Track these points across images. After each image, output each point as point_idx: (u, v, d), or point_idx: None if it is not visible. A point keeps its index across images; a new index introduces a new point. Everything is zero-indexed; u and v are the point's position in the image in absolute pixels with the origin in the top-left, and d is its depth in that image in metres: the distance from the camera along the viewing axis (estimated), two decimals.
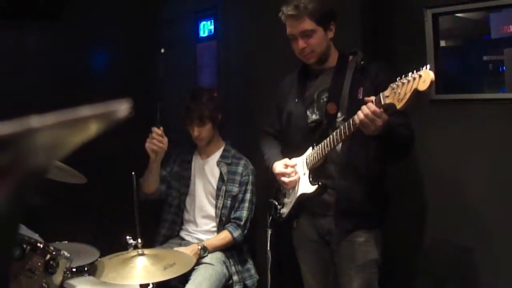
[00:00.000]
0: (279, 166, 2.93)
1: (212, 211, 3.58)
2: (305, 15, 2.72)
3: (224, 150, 3.64)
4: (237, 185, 3.53)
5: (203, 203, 3.62)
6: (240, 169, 3.55)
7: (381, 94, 2.33)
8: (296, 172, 2.88)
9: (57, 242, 3.38)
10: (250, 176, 3.55)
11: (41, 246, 2.62)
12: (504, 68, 2.97)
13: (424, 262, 3.22)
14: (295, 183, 2.88)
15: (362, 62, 2.76)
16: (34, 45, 4.52)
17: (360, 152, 2.73)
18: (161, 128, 3.31)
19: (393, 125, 2.46)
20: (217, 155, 3.64)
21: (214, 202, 3.57)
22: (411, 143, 2.66)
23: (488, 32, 3.03)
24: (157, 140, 3.28)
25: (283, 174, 2.89)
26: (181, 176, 3.70)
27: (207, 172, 3.64)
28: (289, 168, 2.89)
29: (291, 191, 2.93)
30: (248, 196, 3.53)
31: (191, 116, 3.49)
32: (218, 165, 3.59)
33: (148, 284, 2.71)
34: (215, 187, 3.58)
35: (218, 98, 3.67)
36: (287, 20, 2.79)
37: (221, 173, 3.56)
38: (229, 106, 4.26)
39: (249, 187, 3.54)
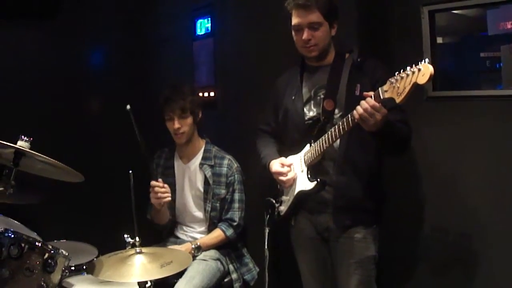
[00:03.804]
0: (275, 165, 2.93)
1: (201, 214, 3.55)
2: (315, 7, 2.72)
3: (204, 151, 3.56)
4: (224, 187, 3.48)
5: (192, 208, 3.59)
6: (224, 170, 3.49)
7: (380, 88, 2.33)
8: (293, 170, 2.88)
9: (55, 241, 3.39)
10: (236, 175, 3.50)
11: (39, 244, 2.62)
12: (501, 64, 2.97)
13: (421, 259, 3.22)
14: (292, 181, 2.88)
15: (358, 59, 2.76)
16: (30, 44, 4.52)
17: (358, 148, 2.74)
18: (160, 180, 3.34)
19: (392, 120, 2.47)
20: (198, 157, 3.56)
21: (203, 205, 3.53)
22: (409, 139, 2.67)
23: (485, 28, 3.03)
24: (160, 193, 3.31)
25: (280, 173, 2.90)
26: (166, 183, 3.55)
27: (191, 177, 3.57)
28: (285, 167, 2.89)
29: (289, 188, 2.93)
30: (236, 196, 3.49)
31: (172, 107, 3.39)
32: (201, 168, 3.52)
33: (146, 282, 2.71)
34: (202, 190, 3.52)
35: (199, 94, 3.60)
36: (295, 10, 2.77)
37: (205, 176, 3.50)
38: (226, 104, 4.27)
39: (236, 186, 3.49)
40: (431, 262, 3.16)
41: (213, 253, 3.42)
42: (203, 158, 3.54)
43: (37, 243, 2.62)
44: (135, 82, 4.92)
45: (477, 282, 2.95)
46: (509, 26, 2.92)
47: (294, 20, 2.79)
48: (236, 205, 3.49)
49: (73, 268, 2.99)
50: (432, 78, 2.13)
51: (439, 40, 3.18)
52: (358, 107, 2.39)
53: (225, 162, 3.51)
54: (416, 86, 2.17)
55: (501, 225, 2.86)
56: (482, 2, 2.97)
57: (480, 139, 2.94)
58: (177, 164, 3.64)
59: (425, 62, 2.15)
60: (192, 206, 3.58)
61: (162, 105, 3.44)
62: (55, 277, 2.65)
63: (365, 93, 2.42)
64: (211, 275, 3.28)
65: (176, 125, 3.41)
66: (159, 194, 3.30)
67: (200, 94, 4.40)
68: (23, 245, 2.56)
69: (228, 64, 4.28)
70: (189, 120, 3.44)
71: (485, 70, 3.10)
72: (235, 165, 3.52)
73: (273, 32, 3.25)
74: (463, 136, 3.00)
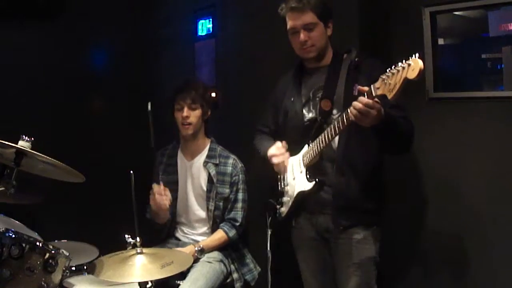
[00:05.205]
0: (271, 149, 2.96)
1: (204, 214, 3.53)
2: (308, 8, 2.75)
3: (209, 149, 3.55)
4: (228, 186, 3.47)
5: (194, 207, 3.56)
6: (229, 169, 3.48)
7: (372, 86, 2.33)
8: (287, 153, 2.91)
9: (56, 241, 3.38)
10: (240, 175, 3.49)
11: (40, 244, 2.62)
12: (502, 66, 2.97)
13: (422, 260, 3.22)
14: (285, 165, 2.91)
15: (356, 59, 2.77)
16: (32, 44, 4.52)
17: (357, 148, 2.74)
18: (161, 183, 3.35)
19: (393, 116, 2.47)
20: (203, 155, 3.55)
21: (205, 204, 3.51)
22: (411, 135, 2.65)
23: (486, 30, 3.03)
24: (160, 197, 3.32)
25: (274, 155, 2.92)
26: (168, 181, 3.57)
27: (195, 174, 3.55)
28: (281, 149, 2.91)
29: (288, 190, 2.93)
30: (240, 195, 3.49)
31: (183, 97, 3.42)
32: (205, 166, 3.50)
33: (147, 282, 2.71)
34: (205, 189, 3.50)
35: (210, 93, 3.62)
36: (289, 14, 2.80)
37: (209, 174, 3.49)
38: (227, 104, 4.27)
39: (240, 186, 3.49)
40: (431, 264, 3.16)
41: (216, 254, 3.41)
42: (208, 156, 3.53)
43: (38, 243, 2.62)
44: (136, 83, 4.91)
45: (477, 283, 2.95)
46: (510, 28, 2.93)
47: (289, 24, 2.82)
48: (240, 204, 3.48)
49: (74, 268, 2.98)
50: (421, 72, 2.11)
51: (441, 41, 3.19)
52: (351, 108, 2.39)
53: (230, 161, 3.51)
54: (407, 82, 2.14)
55: (502, 226, 2.87)
56: (483, 4, 2.98)
57: (481, 140, 2.94)
58: (180, 161, 3.63)
59: (415, 57, 2.14)
60: (195, 204, 3.56)
61: (173, 96, 3.47)
62: (56, 277, 2.65)
63: (359, 87, 2.42)
64: (215, 278, 3.28)
65: (185, 113, 3.42)
66: (158, 200, 3.32)
67: None
68: (24, 245, 2.56)
69: (229, 65, 4.28)
70: (198, 112, 3.44)
71: (486, 72, 3.10)
72: (240, 165, 3.52)
73: (275, 33, 3.25)
74: (464, 137, 3.01)
